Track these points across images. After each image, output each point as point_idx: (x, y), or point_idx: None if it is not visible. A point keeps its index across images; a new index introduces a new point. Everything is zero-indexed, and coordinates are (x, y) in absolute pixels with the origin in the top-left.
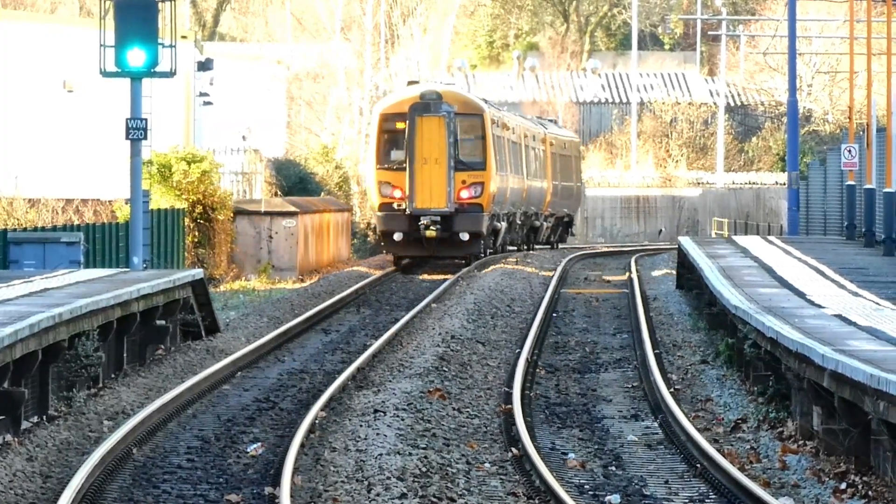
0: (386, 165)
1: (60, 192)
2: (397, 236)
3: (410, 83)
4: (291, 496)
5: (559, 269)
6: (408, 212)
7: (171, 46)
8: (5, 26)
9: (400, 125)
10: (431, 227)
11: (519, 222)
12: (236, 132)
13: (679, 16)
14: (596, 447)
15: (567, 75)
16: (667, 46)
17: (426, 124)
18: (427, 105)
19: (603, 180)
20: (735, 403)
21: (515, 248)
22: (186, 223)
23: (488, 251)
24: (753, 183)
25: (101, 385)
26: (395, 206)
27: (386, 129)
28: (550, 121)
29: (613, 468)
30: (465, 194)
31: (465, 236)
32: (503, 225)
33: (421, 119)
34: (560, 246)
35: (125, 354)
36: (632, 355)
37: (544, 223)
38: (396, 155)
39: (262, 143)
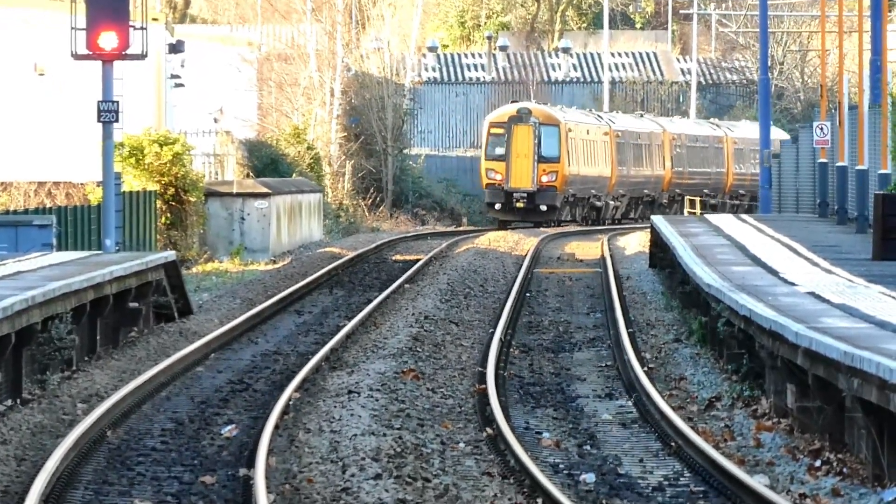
0: (491, 157)
1: (32, 175)
2: (497, 206)
3: (513, 101)
4: (266, 477)
5: (532, 248)
6: (505, 189)
7: (142, 28)
8: None
9: (502, 130)
10: (520, 201)
11: (665, 201)
12: (208, 114)
13: None
14: (570, 426)
15: (538, 55)
16: (638, 25)
17: (520, 130)
18: (521, 117)
19: None
20: (709, 382)
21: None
22: (158, 205)
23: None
24: None
25: (74, 368)
26: (496, 185)
27: (492, 133)
28: None
29: (588, 447)
30: (544, 179)
31: (543, 208)
32: (611, 203)
33: (516, 127)
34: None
35: (98, 337)
36: (605, 334)
37: (728, 202)
38: (499, 150)
39: (233, 125)
